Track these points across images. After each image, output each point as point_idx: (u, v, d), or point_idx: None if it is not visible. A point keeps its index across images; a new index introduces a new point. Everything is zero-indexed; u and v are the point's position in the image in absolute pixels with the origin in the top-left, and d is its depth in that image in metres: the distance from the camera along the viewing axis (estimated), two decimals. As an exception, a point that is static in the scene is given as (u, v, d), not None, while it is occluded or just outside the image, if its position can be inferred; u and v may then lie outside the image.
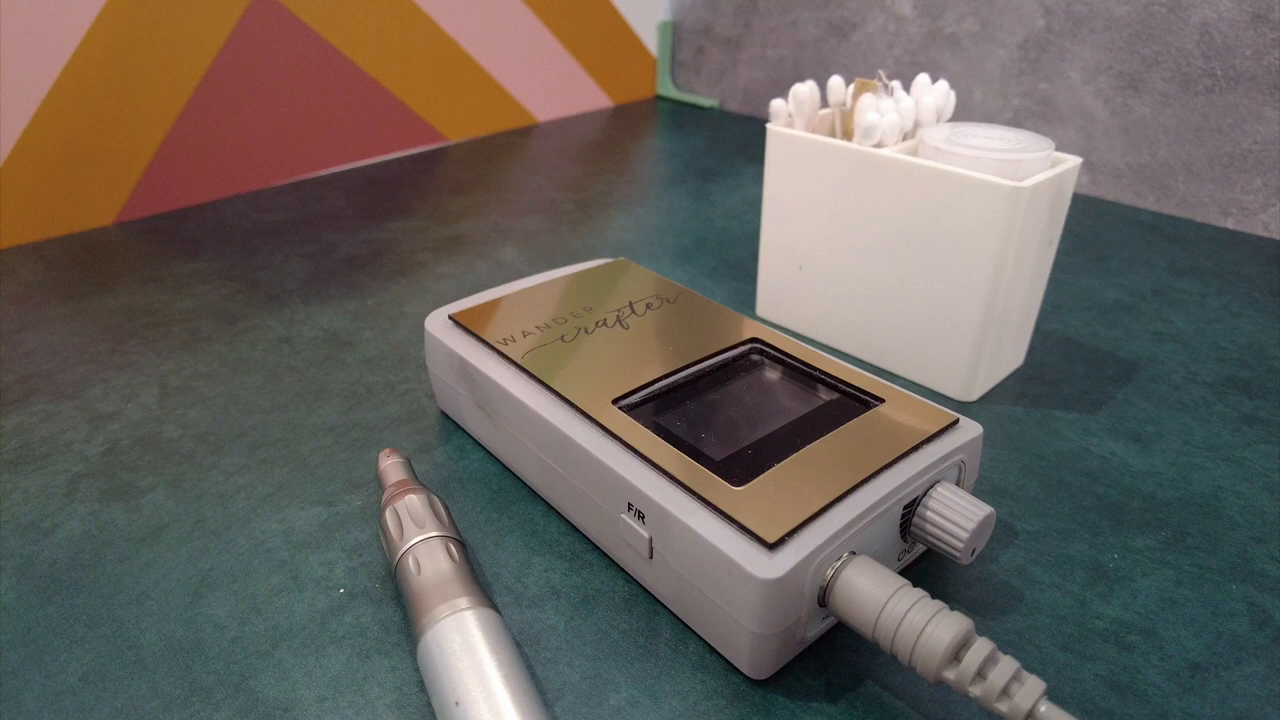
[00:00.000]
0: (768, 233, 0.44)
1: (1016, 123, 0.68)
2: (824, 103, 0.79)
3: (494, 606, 0.26)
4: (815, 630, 0.25)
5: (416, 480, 0.31)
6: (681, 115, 0.88)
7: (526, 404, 0.30)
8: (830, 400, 0.30)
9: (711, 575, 0.24)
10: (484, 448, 0.36)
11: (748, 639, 0.24)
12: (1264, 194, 0.58)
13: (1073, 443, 0.36)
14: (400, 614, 0.28)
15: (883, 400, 0.30)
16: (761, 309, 0.46)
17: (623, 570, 0.29)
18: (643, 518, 0.26)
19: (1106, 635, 0.27)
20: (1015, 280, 0.36)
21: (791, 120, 0.42)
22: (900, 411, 0.29)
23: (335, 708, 0.24)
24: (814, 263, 0.42)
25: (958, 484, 0.29)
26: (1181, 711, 0.24)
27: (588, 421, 0.29)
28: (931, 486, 0.27)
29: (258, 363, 0.42)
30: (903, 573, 0.29)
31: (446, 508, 0.30)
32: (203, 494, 0.33)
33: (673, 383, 0.31)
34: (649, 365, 0.32)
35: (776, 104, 0.41)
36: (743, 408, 0.30)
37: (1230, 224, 0.60)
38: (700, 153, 0.75)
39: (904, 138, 0.40)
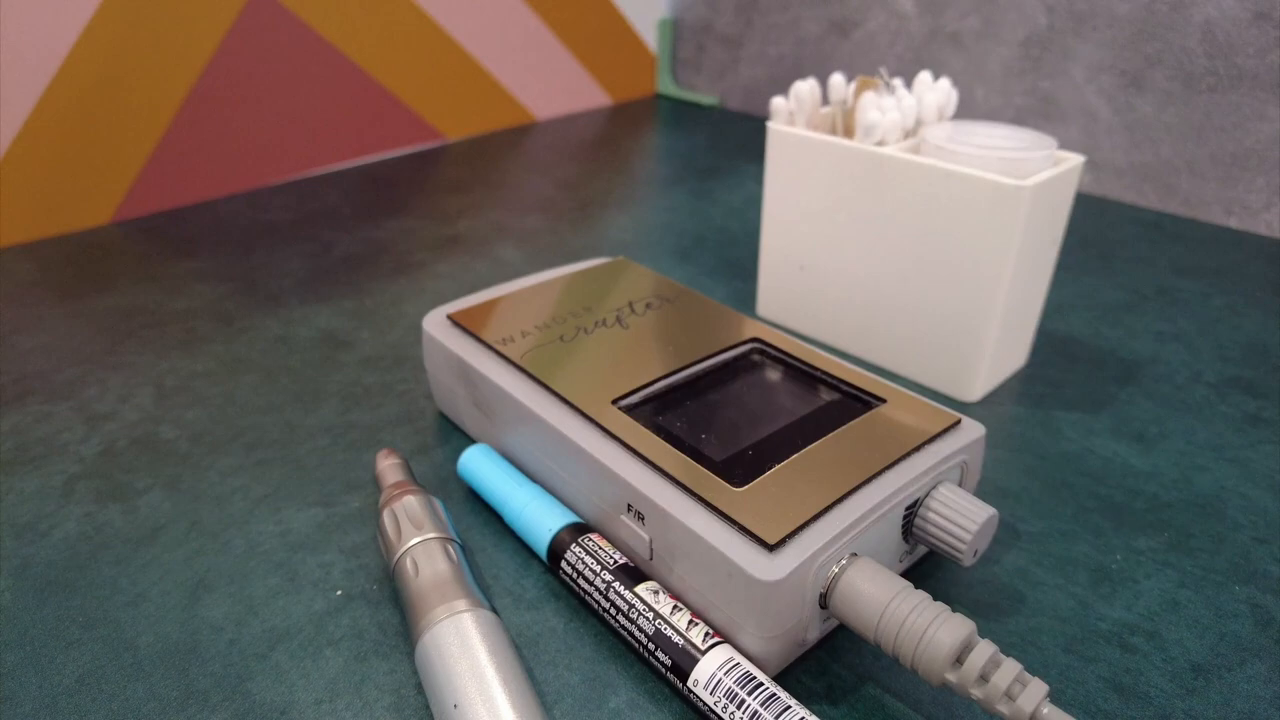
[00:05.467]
0: (768, 232, 0.44)
1: (1019, 121, 0.68)
2: (825, 101, 0.79)
3: (493, 609, 0.26)
4: (817, 632, 0.25)
5: (414, 481, 0.30)
6: (681, 113, 0.87)
7: (525, 404, 0.30)
8: (831, 400, 0.30)
9: (712, 577, 0.24)
10: (483, 448, 0.35)
11: (749, 641, 0.24)
12: (1267, 193, 0.58)
13: (1075, 443, 0.36)
14: (398, 616, 0.27)
15: (884, 400, 0.30)
16: (762, 308, 0.46)
17: (622, 572, 0.29)
18: (643, 519, 0.26)
19: (1109, 637, 0.27)
20: (1017, 279, 0.36)
21: (792, 118, 0.41)
22: (902, 412, 0.29)
23: (333, 710, 0.24)
24: (815, 262, 0.42)
25: (960, 485, 0.29)
26: (1184, 713, 0.24)
27: (587, 422, 0.29)
28: (934, 488, 0.27)
29: (255, 363, 0.42)
30: (905, 575, 0.29)
31: (445, 509, 0.29)
32: (199, 495, 0.33)
33: (673, 383, 0.31)
34: (649, 365, 0.32)
35: (777, 102, 0.41)
36: (743, 408, 0.30)
37: (1233, 223, 0.60)
38: (700, 151, 0.75)
39: (906, 136, 0.40)
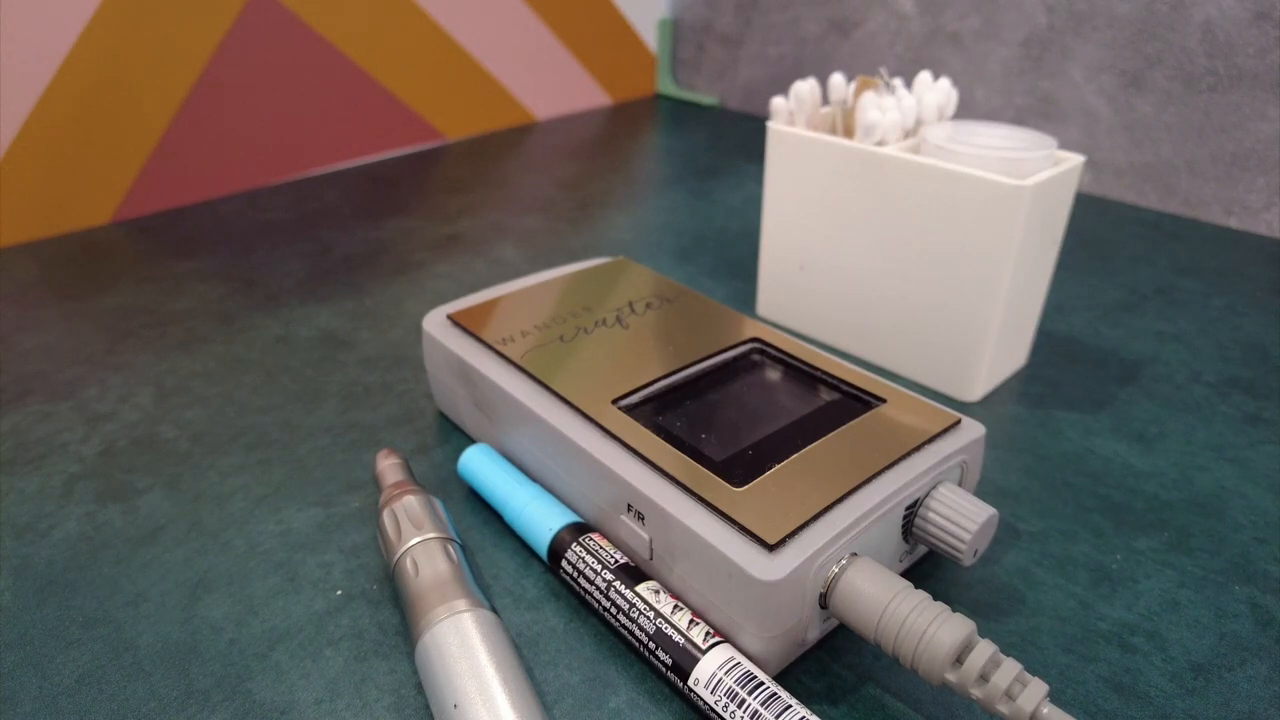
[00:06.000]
0: (768, 232, 0.44)
1: (1019, 121, 0.68)
2: (825, 100, 0.79)
3: (493, 608, 0.26)
4: (817, 632, 0.25)
5: (414, 481, 0.30)
6: (681, 113, 0.87)
7: (525, 404, 0.30)
8: (831, 400, 0.30)
9: (712, 577, 0.24)
10: (483, 448, 0.35)
11: (749, 641, 0.24)
12: (1267, 193, 0.58)
13: (1075, 443, 0.36)
14: (398, 616, 0.27)
15: (884, 400, 0.30)
16: (762, 308, 0.46)
17: (622, 571, 0.29)
18: (643, 519, 0.26)
19: (1109, 637, 0.27)
20: (1018, 279, 0.36)
21: (792, 118, 0.41)
22: (902, 412, 0.29)
23: (333, 710, 0.24)
24: (815, 262, 0.42)
25: (960, 485, 0.29)
26: (1184, 713, 0.24)
27: (587, 422, 0.29)
28: (934, 487, 0.27)
29: (254, 363, 0.42)
30: (905, 574, 0.29)
31: (445, 509, 0.29)
32: (200, 495, 0.33)
33: (673, 383, 0.31)
34: (649, 365, 0.32)
35: (777, 102, 0.41)
36: (743, 408, 0.30)
37: (1233, 223, 0.60)
38: (700, 151, 0.75)
39: (906, 136, 0.40)
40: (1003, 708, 0.21)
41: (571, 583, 0.27)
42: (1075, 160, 0.36)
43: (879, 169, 0.37)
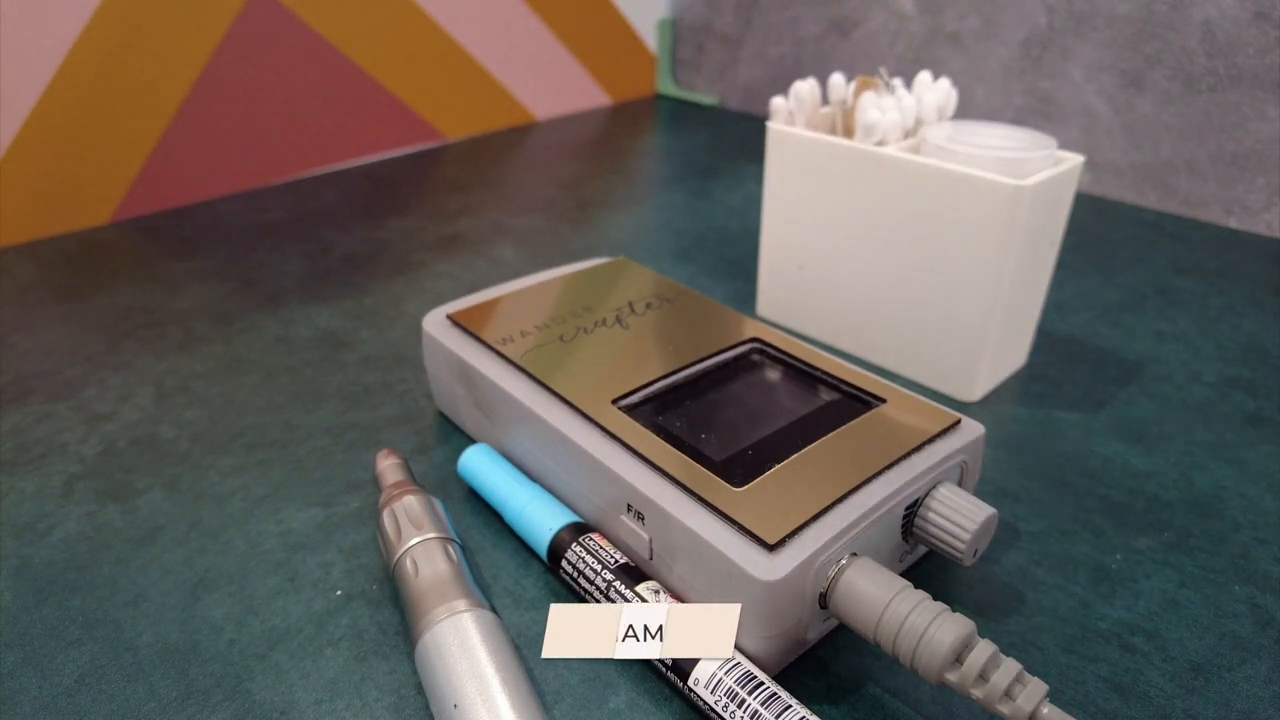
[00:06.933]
0: (768, 231, 0.44)
1: (1019, 121, 0.68)
2: (825, 100, 0.79)
3: (492, 609, 0.26)
4: (817, 632, 0.25)
5: (414, 481, 0.30)
6: (681, 113, 0.87)
7: (525, 404, 0.30)
8: (831, 400, 0.30)
9: (712, 577, 0.24)
10: (483, 448, 0.35)
11: (749, 640, 0.24)
12: (1266, 193, 0.58)
13: (1075, 443, 0.36)
14: (398, 616, 0.27)
15: (884, 400, 0.30)
16: (762, 308, 0.46)
17: (622, 571, 0.29)
18: (642, 519, 0.26)
19: (1109, 637, 0.27)
20: (1017, 279, 0.36)
21: (792, 118, 0.41)
22: (902, 412, 0.29)
23: (332, 710, 0.24)
24: (815, 262, 0.42)
25: (960, 485, 0.29)
26: (1184, 713, 0.24)
27: (587, 422, 0.29)
28: (933, 487, 0.27)
29: (254, 363, 0.42)
30: (904, 574, 0.29)
31: (445, 509, 0.29)
32: (200, 495, 0.33)
33: (673, 383, 0.31)
34: (649, 365, 0.32)
35: (777, 102, 0.41)
36: (743, 408, 0.30)
37: (1233, 223, 0.60)
38: (700, 151, 0.75)
39: (905, 136, 0.40)
40: (1002, 707, 0.21)
41: (571, 583, 0.27)
42: (1075, 160, 0.36)
43: (879, 169, 0.37)
